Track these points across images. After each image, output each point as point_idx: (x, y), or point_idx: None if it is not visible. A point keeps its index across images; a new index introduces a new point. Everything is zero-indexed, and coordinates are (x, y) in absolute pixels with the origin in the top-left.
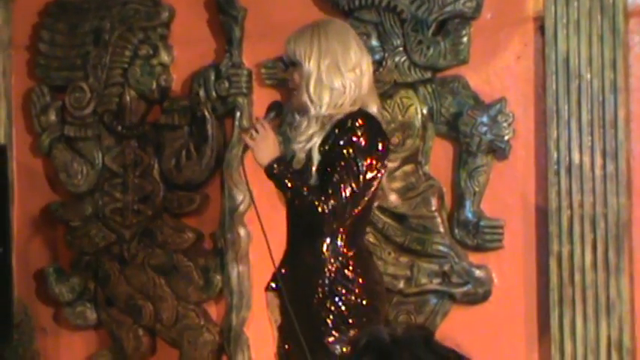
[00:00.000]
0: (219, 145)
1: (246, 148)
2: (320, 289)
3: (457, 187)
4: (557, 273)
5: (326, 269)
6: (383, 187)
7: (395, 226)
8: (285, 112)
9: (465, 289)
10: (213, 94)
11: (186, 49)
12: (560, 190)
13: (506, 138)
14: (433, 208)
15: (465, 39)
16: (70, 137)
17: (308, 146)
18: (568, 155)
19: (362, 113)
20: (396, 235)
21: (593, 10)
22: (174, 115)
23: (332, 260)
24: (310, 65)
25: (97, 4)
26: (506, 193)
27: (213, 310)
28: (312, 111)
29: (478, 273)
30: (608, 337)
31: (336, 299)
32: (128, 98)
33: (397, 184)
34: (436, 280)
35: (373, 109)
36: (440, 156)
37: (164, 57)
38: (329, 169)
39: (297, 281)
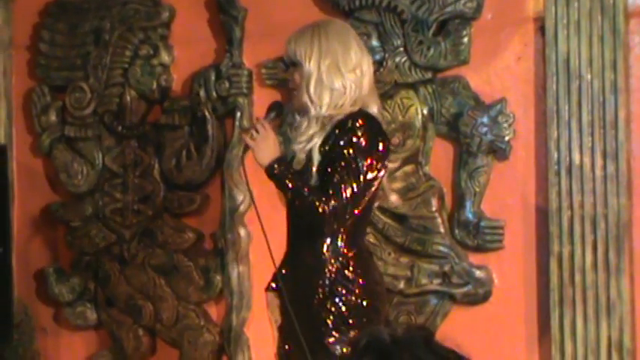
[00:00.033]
0: (219, 145)
1: (246, 148)
2: (320, 290)
3: (457, 187)
4: (558, 273)
5: (326, 270)
6: (383, 187)
7: (395, 226)
8: (285, 113)
9: (465, 289)
10: (214, 94)
11: (187, 49)
12: (560, 190)
13: (506, 138)
14: (433, 209)
15: (465, 39)
16: (71, 137)
17: (308, 147)
18: (568, 156)
19: (362, 113)
20: (397, 236)
21: (593, 11)
22: (175, 116)
23: (332, 261)
24: (310, 65)
25: (97, 4)
26: (506, 193)
27: (214, 311)
28: (313, 111)
29: (478, 273)
30: (609, 338)
31: (337, 300)
32: (128, 98)
33: (397, 185)
34: (436, 281)
35: (374, 109)
36: (440, 156)
37: (164, 57)
38: (329, 170)
39: (297, 281)
